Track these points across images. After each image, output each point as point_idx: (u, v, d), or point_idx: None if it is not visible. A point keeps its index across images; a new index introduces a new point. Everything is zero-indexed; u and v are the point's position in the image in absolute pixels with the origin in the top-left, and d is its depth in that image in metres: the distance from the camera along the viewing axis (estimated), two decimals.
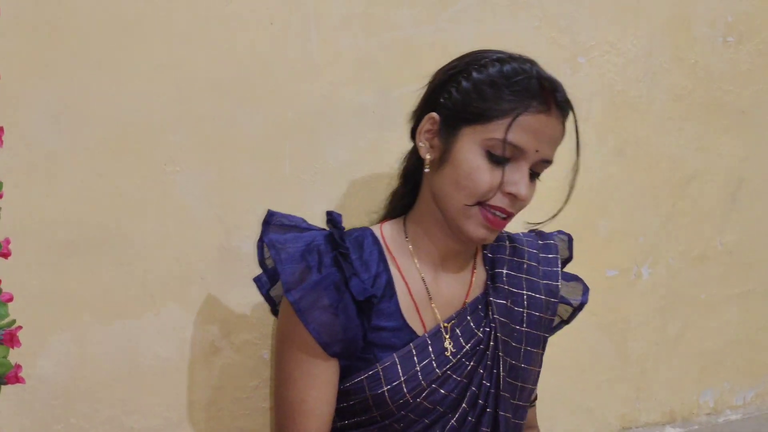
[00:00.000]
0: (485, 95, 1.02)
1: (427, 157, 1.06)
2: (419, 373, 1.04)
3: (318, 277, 1.02)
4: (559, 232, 1.25)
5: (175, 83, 1.18)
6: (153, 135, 1.18)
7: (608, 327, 1.58)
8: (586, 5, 1.49)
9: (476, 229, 1.04)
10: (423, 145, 1.07)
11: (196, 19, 1.19)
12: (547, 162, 1.05)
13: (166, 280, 1.20)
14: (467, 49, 1.40)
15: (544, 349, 1.17)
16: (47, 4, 1.11)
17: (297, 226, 1.09)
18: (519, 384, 1.12)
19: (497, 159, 1.02)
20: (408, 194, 1.14)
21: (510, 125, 1.00)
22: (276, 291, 1.13)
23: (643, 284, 1.60)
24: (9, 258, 1.01)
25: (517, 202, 1.04)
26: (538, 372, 1.16)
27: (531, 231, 1.23)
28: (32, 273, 1.12)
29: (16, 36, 1.09)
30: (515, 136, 1.01)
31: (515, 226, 1.25)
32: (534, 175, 1.05)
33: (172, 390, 1.21)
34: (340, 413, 1.07)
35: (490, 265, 1.15)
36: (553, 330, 1.21)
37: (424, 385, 1.04)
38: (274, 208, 1.24)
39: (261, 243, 1.11)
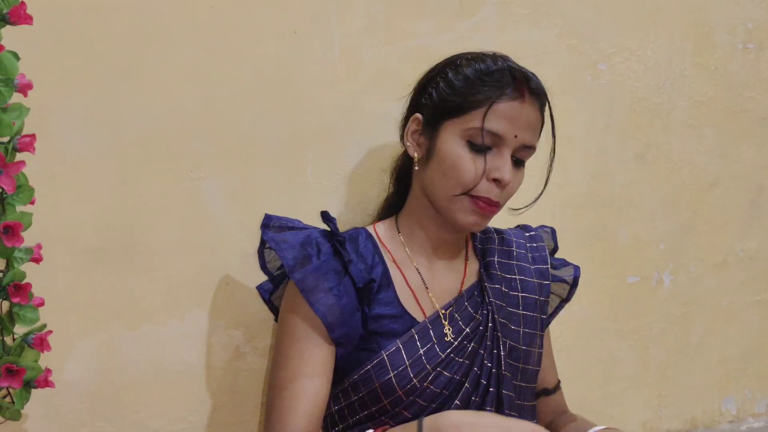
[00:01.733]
0: (461, 90, 1.08)
1: (415, 155, 1.12)
2: (423, 357, 1.07)
3: (318, 263, 1.07)
4: (542, 226, 1.30)
5: (200, 92, 1.20)
6: (178, 143, 1.19)
7: (629, 334, 1.58)
8: (607, 13, 1.49)
9: (466, 216, 1.09)
10: (410, 144, 1.13)
11: (220, 28, 1.21)
12: (528, 148, 1.10)
13: (191, 285, 1.21)
14: None
15: (542, 330, 1.20)
16: (76, 15, 1.13)
17: (294, 226, 1.13)
18: (520, 365, 1.15)
19: (478, 148, 1.07)
20: (399, 194, 1.21)
21: (486, 113, 1.06)
22: (278, 294, 1.17)
23: (664, 291, 1.60)
24: (39, 263, 1.03)
25: (504, 189, 1.08)
26: (540, 353, 1.19)
27: (516, 226, 1.29)
28: (60, 279, 1.14)
29: (46, 46, 1.11)
30: (492, 124, 1.06)
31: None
32: (519, 162, 1.10)
33: (196, 394, 1.22)
34: (351, 408, 1.09)
35: (482, 255, 1.20)
36: (555, 311, 1.26)
37: (429, 368, 1.07)
38: (297, 214, 1.25)
39: (261, 249, 1.15)
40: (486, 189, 1.07)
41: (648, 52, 1.53)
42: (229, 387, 1.24)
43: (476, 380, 1.10)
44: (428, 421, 0.99)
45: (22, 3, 0.96)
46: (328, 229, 1.13)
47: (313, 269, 1.07)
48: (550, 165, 1.16)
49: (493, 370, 1.11)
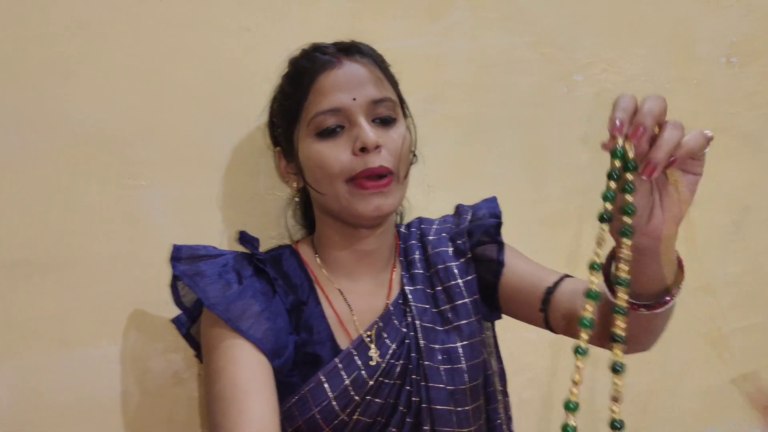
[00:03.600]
0: (287, 99, 1.05)
1: (294, 185, 1.07)
2: (350, 387, 0.97)
3: (239, 288, 0.97)
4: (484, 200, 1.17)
5: (142, 92, 1.11)
6: (116, 147, 1.10)
7: (607, 362, 1.49)
8: (584, 21, 1.42)
9: (363, 203, 0.99)
10: (288, 179, 1.08)
11: (166, 24, 1.12)
12: (380, 101, 1.01)
13: (127, 304, 1.11)
14: (458, 63, 1.34)
15: (484, 313, 1.07)
16: (8, 10, 1.03)
17: (208, 254, 1.02)
18: (463, 365, 1.03)
19: (328, 133, 1.00)
20: (309, 224, 1.14)
21: (311, 101, 1.00)
22: (196, 329, 1.05)
23: None
24: None
25: (377, 154, 0.98)
26: (484, 339, 1.07)
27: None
28: None
29: None
30: (322, 104, 1.00)
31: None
32: (385, 120, 1.01)
33: (132, 424, 1.12)
34: None
35: (404, 256, 1.10)
36: (498, 260, 1.07)
37: (358, 399, 0.97)
38: (248, 227, 1.16)
39: (174, 282, 1.02)
40: (360, 164, 0.98)
41: (627, 64, 1.46)
42: (166, 416, 1.13)
43: (408, 400, 1.00)
44: None
45: None
46: (247, 251, 1.04)
47: (236, 295, 0.96)
48: (403, 111, 1.06)
49: (422, 383, 1.00)
